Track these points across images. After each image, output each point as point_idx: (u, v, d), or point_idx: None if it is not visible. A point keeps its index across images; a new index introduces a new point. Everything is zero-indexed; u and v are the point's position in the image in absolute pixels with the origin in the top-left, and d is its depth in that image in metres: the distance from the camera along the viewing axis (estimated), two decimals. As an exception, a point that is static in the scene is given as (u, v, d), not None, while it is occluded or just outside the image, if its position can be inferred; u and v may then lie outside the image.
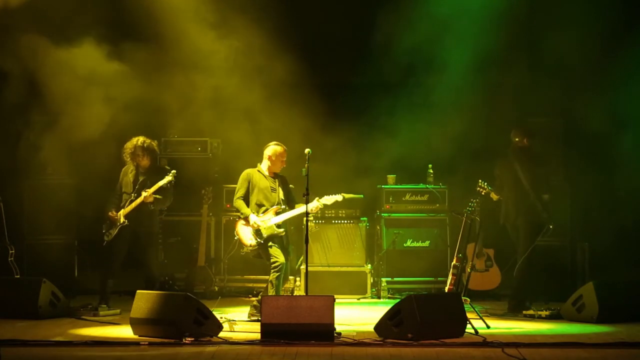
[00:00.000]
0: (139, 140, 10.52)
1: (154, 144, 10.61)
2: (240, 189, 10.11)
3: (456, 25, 11.91)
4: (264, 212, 9.95)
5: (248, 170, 10.18)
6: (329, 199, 9.98)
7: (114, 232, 10.49)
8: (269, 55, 11.76)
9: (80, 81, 11.21)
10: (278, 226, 9.92)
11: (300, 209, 9.88)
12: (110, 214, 10.52)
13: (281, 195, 10.06)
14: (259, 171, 10.13)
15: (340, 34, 12.29)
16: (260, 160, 10.20)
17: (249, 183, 10.09)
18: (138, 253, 10.58)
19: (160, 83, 11.73)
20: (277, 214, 9.94)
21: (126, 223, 10.44)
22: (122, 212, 10.48)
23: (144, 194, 10.37)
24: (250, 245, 9.96)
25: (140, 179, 10.53)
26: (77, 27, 11.21)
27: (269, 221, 9.89)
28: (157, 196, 10.43)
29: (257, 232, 9.89)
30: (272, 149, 10.14)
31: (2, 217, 11.10)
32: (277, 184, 10.11)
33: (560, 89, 11.90)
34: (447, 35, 11.90)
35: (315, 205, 9.88)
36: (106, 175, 11.28)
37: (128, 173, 10.62)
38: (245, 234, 10.01)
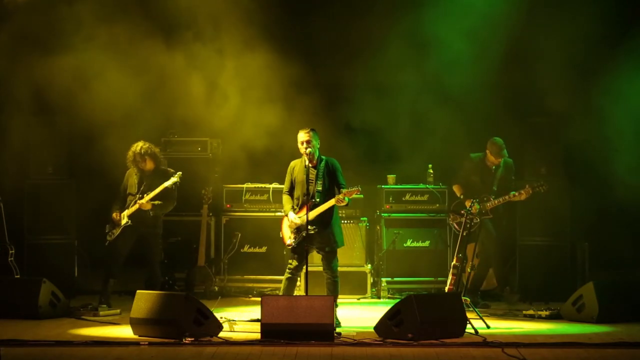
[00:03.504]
0: (137, 146, 10.55)
1: (154, 147, 10.61)
2: (285, 184, 9.87)
3: (456, 24, 11.92)
4: (299, 209, 9.70)
5: (293, 162, 9.87)
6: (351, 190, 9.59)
7: (117, 232, 10.54)
8: (269, 55, 11.77)
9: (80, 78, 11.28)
10: (310, 223, 9.49)
11: (330, 201, 9.53)
12: (114, 214, 10.59)
13: (318, 187, 9.64)
14: (302, 162, 9.72)
15: (340, 33, 12.29)
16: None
17: (291, 176, 9.80)
18: (142, 253, 10.62)
19: (161, 83, 11.78)
20: (309, 209, 9.53)
21: (129, 223, 10.48)
22: (125, 213, 10.52)
23: (140, 201, 10.39)
24: (289, 245, 9.73)
25: (145, 181, 10.56)
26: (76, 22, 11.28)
27: (302, 218, 9.58)
28: (156, 202, 10.45)
29: (296, 231, 9.65)
30: (297, 136, 9.76)
31: (2, 217, 11.11)
32: (317, 173, 9.65)
33: (561, 89, 11.90)
34: (448, 35, 11.91)
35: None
36: (106, 175, 11.31)
37: (133, 175, 10.66)
38: (286, 232, 9.79)
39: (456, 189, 11.28)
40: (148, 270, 10.64)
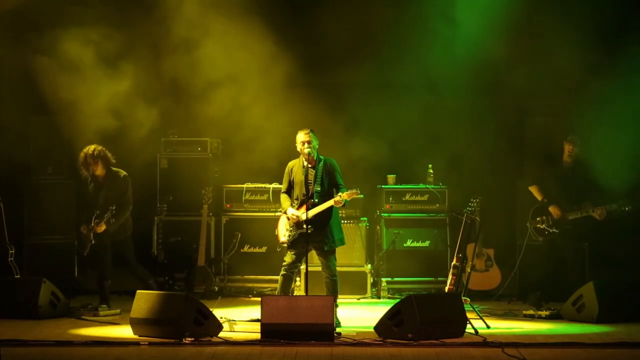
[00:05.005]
0: (90, 148, 10.60)
1: (106, 150, 10.64)
2: (283, 184, 9.88)
3: (458, 25, 11.92)
4: (298, 208, 9.68)
5: (290, 162, 9.87)
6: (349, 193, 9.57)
7: (88, 247, 10.63)
8: (269, 55, 11.77)
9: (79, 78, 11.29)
10: (309, 222, 9.44)
11: (329, 201, 9.53)
12: (82, 229, 10.67)
13: (317, 188, 9.62)
14: (300, 162, 9.71)
15: (341, 33, 12.28)
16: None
17: (289, 176, 9.80)
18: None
19: (161, 82, 11.79)
20: (308, 209, 9.48)
21: (93, 242, 10.54)
22: (91, 230, 10.56)
23: (96, 228, 10.46)
24: (283, 242, 9.74)
25: (101, 193, 10.61)
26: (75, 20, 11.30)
27: (301, 217, 9.57)
28: (103, 226, 10.46)
29: (295, 227, 9.62)
30: (296, 137, 9.76)
31: (2, 217, 11.10)
32: (316, 174, 9.63)
33: (561, 88, 11.90)
34: (449, 35, 11.91)
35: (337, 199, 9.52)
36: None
37: (88, 185, 10.73)
38: (281, 230, 9.79)
39: (535, 190, 11.13)
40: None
